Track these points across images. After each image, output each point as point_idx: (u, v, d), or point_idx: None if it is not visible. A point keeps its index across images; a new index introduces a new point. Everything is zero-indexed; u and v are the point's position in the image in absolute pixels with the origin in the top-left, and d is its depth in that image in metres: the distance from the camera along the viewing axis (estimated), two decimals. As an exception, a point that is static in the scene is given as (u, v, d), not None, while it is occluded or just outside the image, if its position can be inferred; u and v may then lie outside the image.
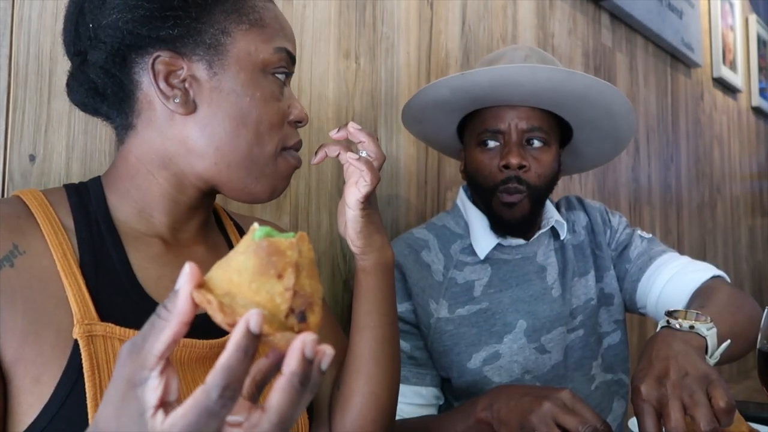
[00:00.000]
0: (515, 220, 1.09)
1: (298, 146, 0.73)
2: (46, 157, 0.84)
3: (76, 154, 0.87)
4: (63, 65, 0.86)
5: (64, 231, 0.64)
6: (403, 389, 1.08)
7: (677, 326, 0.82)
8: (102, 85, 0.67)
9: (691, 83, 2.87)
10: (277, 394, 0.40)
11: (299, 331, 0.40)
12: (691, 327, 0.81)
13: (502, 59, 1.13)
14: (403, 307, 1.10)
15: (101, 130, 0.90)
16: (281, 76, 0.70)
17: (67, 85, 0.70)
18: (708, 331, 0.81)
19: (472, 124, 1.13)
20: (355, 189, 0.74)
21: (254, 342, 0.39)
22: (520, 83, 1.03)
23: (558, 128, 1.14)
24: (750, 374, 2.99)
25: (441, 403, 1.13)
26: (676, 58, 2.71)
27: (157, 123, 0.67)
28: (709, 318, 0.83)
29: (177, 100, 0.65)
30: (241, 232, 0.83)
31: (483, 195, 1.11)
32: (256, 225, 0.43)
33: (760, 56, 3.60)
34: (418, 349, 1.10)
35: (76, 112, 0.87)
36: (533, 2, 1.86)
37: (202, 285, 0.41)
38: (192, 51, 0.65)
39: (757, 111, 3.67)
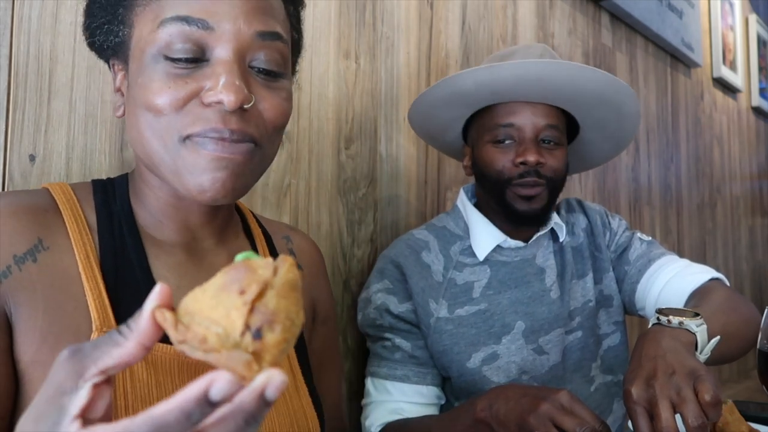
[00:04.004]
0: (533, 211, 1.08)
1: (209, 132, 0.58)
2: (46, 157, 0.84)
3: (76, 154, 0.87)
4: (63, 65, 0.86)
5: (88, 229, 0.63)
6: (405, 388, 1.08)
7: (666, 322, 0.82)
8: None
9: (691, 83, 2.87)
10: (218, 425, 0.34)
11: (253, 351, 0.35)
12: (681, 323, 0.81)
13: (515, 56, 1.12)
14: (403, 307, 1.10)
15: (101, 130, 0.90)
16: (170, 64, 0.58)
17: None
18: (698, 327, 0.81)
19: (485, 120, 1.12)
20: None
21: (205, 411, 0.34)
22: (545, 78, 1.03)
23: (566, 128, 1.15)
24: (750, 374, 2.99)
25: (443, 402, 1.14)
26: (676, 58, 2.71)
27: None
28: (699, 314, 0.83)
29: (117, 104, 0.66)
30: (269, 240, 0.80)
31: (495, 188, 1.10)
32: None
33: (760, 56, 3.59)
34: (419, 348, 1.10)
35: (76, 112, 0.87)
36: (533, 2, 1.86)
37: (171, 307, 0.37)
38: (120, 52, 0.65)
39: (757, 111, 3.67)
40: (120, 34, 0.63)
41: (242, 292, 0.35)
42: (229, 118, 0.58)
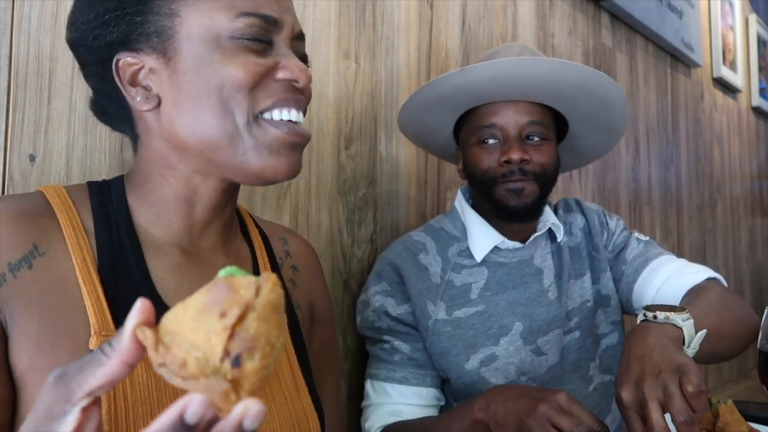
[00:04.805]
0: (523, 206, 1.08)
1: (286, 104, 0.65)
2: (46, 157, 0.85)
3: (76, 154, 0.87)
4: (63, 65, 0.86)
5: (85, 233, 0.63)
6: (404, 390, 1.08)
7: (653, 318, 0.82)
8: (106, 105, 0.68)
9: (691, 83, 2.87)
10: None
11: (231, 379, 0.35)
12: (666, 318, 0.81)
13: (497, 57, 1.12)
14: (402, 309, 1.10)
15: (101, 130, 0.90)
16: (253, 43, 0.63)
17: (91, 109, 0.72)
18: (684, 321, 0.81)
19: (470, 123, 1.13)
20: None
21: None
22: (521, 76, 1.03)
23: (554, 123, 1.14)
24: (750, 374, 2.99)
25: (442, 404, 1.14)
26: (676, 58, 2.71)
27: (150, 128, 0.65)
28: (685, 309, 0.83)
29: (138, 99, 0.63)
30: (266, 242, 0.80)
31: (483, 188, 1.10)
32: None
33: (760, 56, 3.59)
34: (418, 350, 1.10)
35: (76, 112, 0.87)
36: (533, 2, 1.86)
37: (152, 323, 0.37)
38: (144, 44, 0.63)
39: (757, 111, 3.67)
40: (158, 23, 0.62)
41: (223, 315, 0.35)
42: (298, 93, 0.66)
